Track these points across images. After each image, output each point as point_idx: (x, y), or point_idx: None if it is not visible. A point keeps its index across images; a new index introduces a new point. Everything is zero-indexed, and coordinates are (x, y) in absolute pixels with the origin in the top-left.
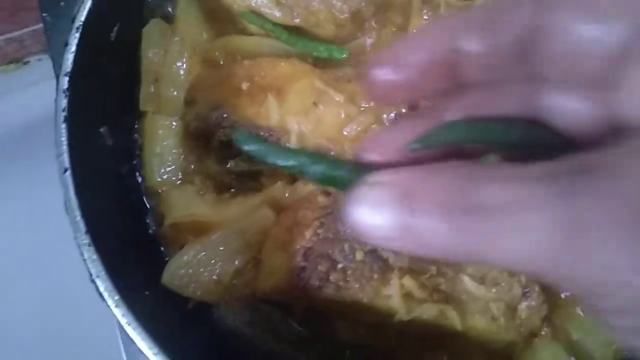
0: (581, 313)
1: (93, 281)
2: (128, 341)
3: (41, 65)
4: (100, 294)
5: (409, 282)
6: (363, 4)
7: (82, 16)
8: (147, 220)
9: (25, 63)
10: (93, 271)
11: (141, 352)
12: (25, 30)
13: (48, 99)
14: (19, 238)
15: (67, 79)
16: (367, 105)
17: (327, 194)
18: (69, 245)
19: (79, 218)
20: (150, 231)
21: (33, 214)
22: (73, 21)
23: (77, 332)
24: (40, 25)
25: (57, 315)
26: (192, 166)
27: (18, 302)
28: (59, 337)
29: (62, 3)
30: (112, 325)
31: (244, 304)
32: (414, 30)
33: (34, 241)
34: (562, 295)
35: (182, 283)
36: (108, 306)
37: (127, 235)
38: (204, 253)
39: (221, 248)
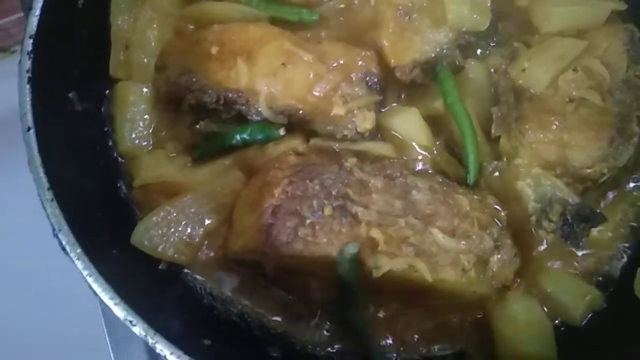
0: (555, 266)
1: (56, 235)
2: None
3: None
4: (63, 248)
5: (376, 234)
6: None
7: None
8: (119, 184)
9: (13, 52)
10: (55, 225)
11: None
12: (10, 18)
13: None
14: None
15: (31, 41)
16: (336, 64)
17: (299, 153)
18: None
19: (42, 174)
20: (121, 195)
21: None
22: None
23: (59, 299)
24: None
25: (38, 281)
26: (164, 132)
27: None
28: (41, 301)
29: None
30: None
31: (216, 265)
32: None
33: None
34: (536, 250)
35: (152, 244)
36: (71, 259)
37: (96, 197)
38: (174, 214)
39: (192, 210)
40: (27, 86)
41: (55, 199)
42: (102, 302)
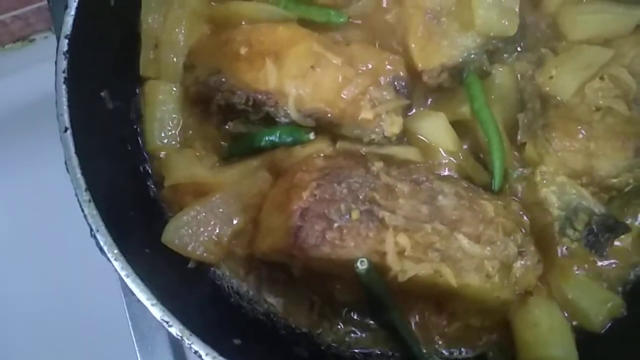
0: (577, 272)
1: (94, 236)
2: (129, 297)
3: (46, 43)
4: (101, 248)
5: (403, 239)
6: None
7: None
8: (148, 183)
9: (31, 41)
10: (93, 226)
11: (141, 305)
12: (29, 7)
13: (54, 76)
14: (27, 209)
15: (66, 41)
16: (364, 68)
17: (326, 156)
18: (74, 214)
19: (79, 175)
20: (151, 193)
21: (39, 187)
22: None
23: (83, 291)
24: (45, 2)
25: (65, 276)
26: (191, 131)
27: (29, 263)
28: (67, 292)
29: None
30: (115, 283)
31: (243, 264)
32: None
33: (41, 212)
34: (559, 256)
35: (182, 242)
36: (108, 260)
37: (127, 196)
38: (203, 214)
39: (220, 210)
40: (64, 86)
41: (93, 200)
42: (126, 294)
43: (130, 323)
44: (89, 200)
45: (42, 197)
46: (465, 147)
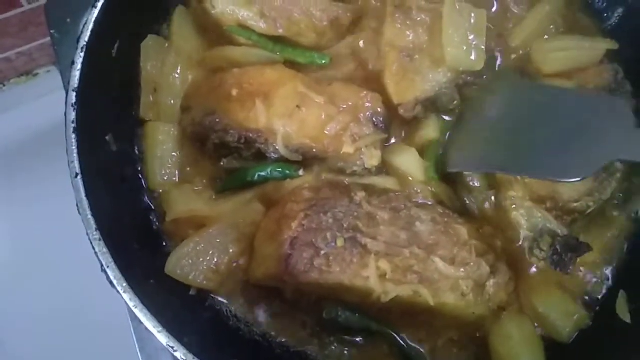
0: (546, 288)
1: (104, 271)
2: (136, 322)
3: (49, 76)
4: (111, 282)
5: (384, 264)
6: (340, 12)
7: (86, 37)
8: (151, 217)
9: (35, 75)
10: (104, 262)
11: (148, 330)
12: (34, 44)
13: (57, 109)
14: (36, 237)
15: (74, 94)
16: (345, 106)
17: (312, 189)
18: (82, 241)
19: (89, 216)
20: (154, 227)
21: (47, 215)
22: (78, 41)
23: (92, 316)
24: (48, 39)
25: (75, 302)
26: (189, 168)
27: (40, 292)
28: (78, 322)
29: (69, 20)
30: (123, 309)
31: (239, 290)
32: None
33: (50, 239)
34: (529, 273)
35: (183, 272)
36: (118, 292)
37: (132, 231)
38: (202, 245)
39: (218, 240)
40: (73, 136)
41: (103, 239)
42: (133, 320)
43: (137, 345)
44: (99, 239)
45: (50, 226)
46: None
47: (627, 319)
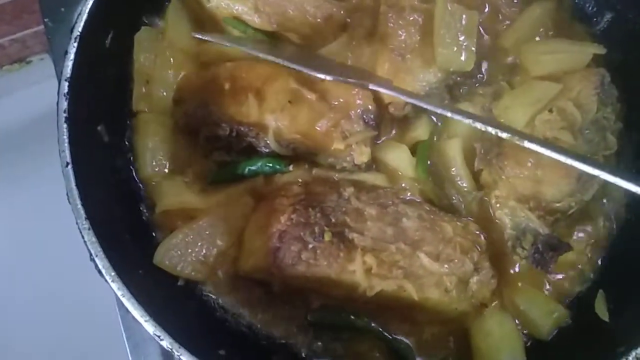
0: (527, 286)
1: (93, 260)
2: (124, 311)
3: (43, 64)
4: (99, 271)
5: (370, 259)
6: (334, 9)
7: (80, 27)
8: (141, 208)
9: (28, 62)
10: (92, 251)
11: (135, 319)
12: (27, 31)
13: (50, 96)
14: (25, 225)
15: (67, 83)
16: (336, 103)
17: (301, 183)
18: (72, 230)
19: (79, 206)
20: (144, 218)
21: (37, 203)
22: (72, 31)
23: (80, 305)
24: (41, 26)
25: (64, 291)
26: (180, 160)
27: (28, 280)
28: (65, 310)
29: (63, 9)
30: (111, 298)
31: (227, 281)
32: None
33: (39, 228)
34: (512, 271)
35: (171, 263)
36: (106, 281)
37: (122, 221)
38: (191, 237)
39: (207, 232)
40: (65, 125)
41: (92, 228)
42: (120, 308)
43: (124, 334)
44: (89, 228)
45: (40, 214)
46: (424, 172)
47: (605, 317)
